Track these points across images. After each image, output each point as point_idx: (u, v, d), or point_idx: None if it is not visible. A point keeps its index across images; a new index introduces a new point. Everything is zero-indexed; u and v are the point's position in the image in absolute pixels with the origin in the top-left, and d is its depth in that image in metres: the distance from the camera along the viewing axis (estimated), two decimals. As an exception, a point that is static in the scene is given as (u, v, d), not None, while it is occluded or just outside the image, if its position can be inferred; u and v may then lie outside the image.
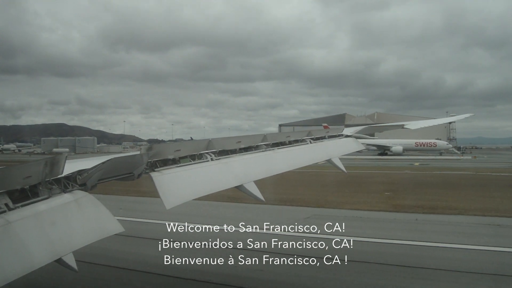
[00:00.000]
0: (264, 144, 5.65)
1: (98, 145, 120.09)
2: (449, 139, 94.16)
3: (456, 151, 79.14)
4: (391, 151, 71.20)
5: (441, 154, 71.28)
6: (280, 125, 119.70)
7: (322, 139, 6.77)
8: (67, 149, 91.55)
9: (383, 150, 72.11)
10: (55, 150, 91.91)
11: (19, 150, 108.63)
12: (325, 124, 71.56)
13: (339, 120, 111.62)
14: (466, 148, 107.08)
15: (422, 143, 74.12)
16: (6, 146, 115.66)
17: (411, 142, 73.31)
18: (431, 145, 73.96)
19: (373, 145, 71.00)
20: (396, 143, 71.91)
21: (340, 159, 6.60)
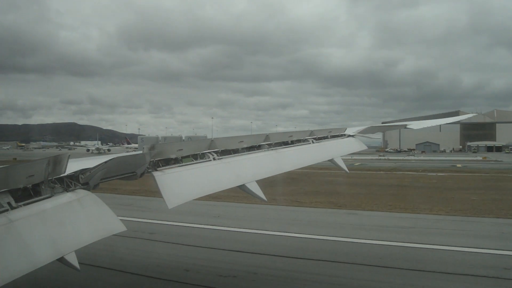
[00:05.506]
0: (267, 144, 5.64)
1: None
2: None
3: None
4: None
5: None
6: (382, 123, 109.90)
7: (324, 139, 6.75)
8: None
9: None
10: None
11: (109, 150, 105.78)
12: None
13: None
14: None
15: None
16: (100, 146, 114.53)
17: None
18: None
19: None
20: None
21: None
